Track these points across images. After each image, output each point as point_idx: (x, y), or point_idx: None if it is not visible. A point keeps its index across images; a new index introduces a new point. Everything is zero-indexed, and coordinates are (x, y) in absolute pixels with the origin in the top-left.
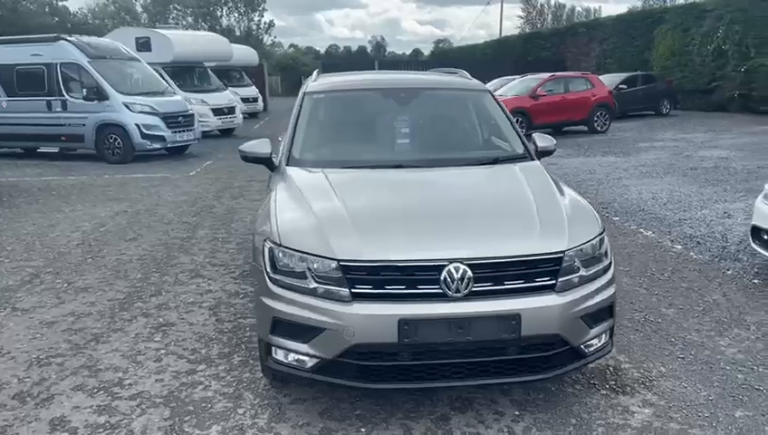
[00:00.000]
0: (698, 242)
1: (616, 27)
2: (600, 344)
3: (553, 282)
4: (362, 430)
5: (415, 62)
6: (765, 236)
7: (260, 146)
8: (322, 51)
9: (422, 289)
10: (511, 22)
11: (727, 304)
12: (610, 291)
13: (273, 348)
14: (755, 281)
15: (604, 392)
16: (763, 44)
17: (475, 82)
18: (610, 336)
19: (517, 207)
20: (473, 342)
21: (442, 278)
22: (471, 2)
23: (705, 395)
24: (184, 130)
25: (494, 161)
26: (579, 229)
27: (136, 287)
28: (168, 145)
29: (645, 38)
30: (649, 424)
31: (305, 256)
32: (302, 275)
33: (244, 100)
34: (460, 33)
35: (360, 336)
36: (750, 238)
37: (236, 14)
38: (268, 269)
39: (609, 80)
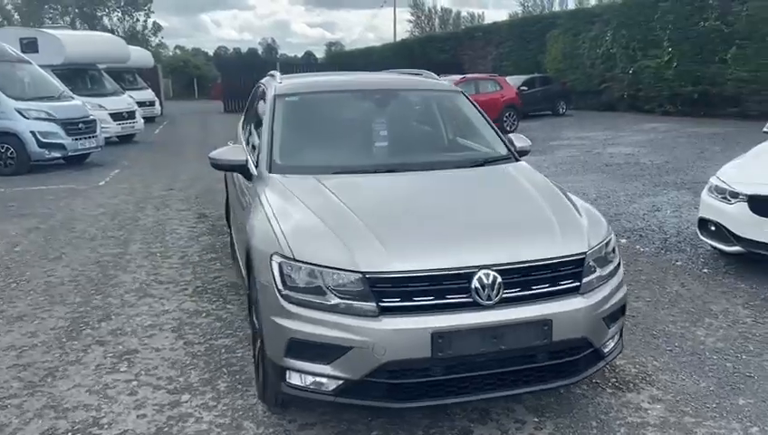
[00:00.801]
0: (640, 235)
1: (511, 31)
2: (614, 344)
3: (577, 284)
4: None
5: (313, 63)
6: (712, 228)
7: (233, 153)
8: (210, 52)
9: (452, 299)
10: (400, 26)
11: (689, 294)
12: (624, 290)
13: (288, 372)
14: (705, 270)
15: (611, 391)
16: (647, 47)
17: (447, 84)
18: (621, 335)
19: (532, 210)
20: (505, 350)
21: (473, 286)
22: (360, 5)
23: (705, 386)
24: (85, 138)
25: (484, 163)
26: (593, 229)
27: (79, 312)
28: (69, 154)
29: (538, 42)
30: (666, 419)
31: (324, 269)
32: (318, 291)
33: (140, 104)
34: (350, 37)
35: (392, 353)
36: (698, 230)
37: (119, 14)
38: (279, 286)
39: (511, 82)
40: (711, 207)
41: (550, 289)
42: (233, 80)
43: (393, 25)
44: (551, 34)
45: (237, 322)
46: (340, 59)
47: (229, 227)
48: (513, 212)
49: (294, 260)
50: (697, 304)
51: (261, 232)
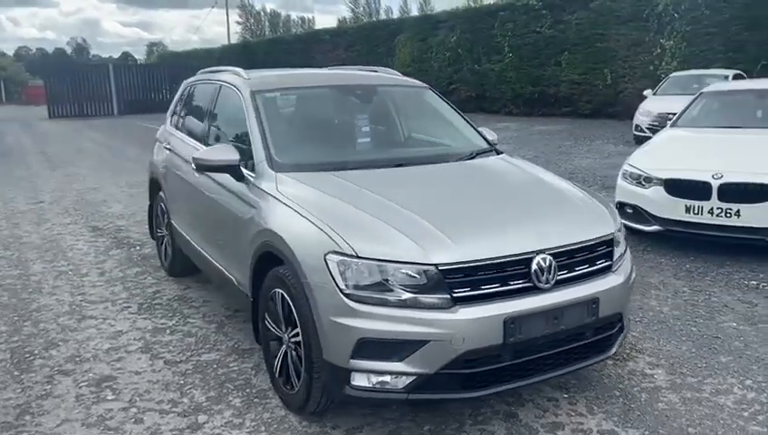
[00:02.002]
0: None
1: (359, 35)
2: (627, 318)
3: (609, 263)
4: None
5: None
6: (629, 211)
7: (224, 152)
8: (11, 53)
9: (514, 284)
10: (223, 27)
11: None
12: (632, 266)
13: (353, 374)
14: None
15: (611, 363)
16: (490, 52)
17: (414, 80)
18: None
19: (557, 196)
20: (564, 330)
21: (532, 271)
22: (178, 5)
23: (687, 349)
24: None
25: (476, 155)
26: (609, 211)
27: (14, 342)
28: None
29: (387, 45)
30: (673, 382)
31: (392, 264)
32: (385, 287)
33: None
34: (171, 37)
35: (470, 342)
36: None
37: None
38: (341, 285)
39: None
40: (627, 191)
41: (590, 269)
42: (58, 83)
43: (227, 27)
44: (399, 38)
45: (212, 336)
46: (170, 60)
47: (154, 237)
48: (543, 199)
49: (358, 257)
50: (637, 278)
51: (300, 232)
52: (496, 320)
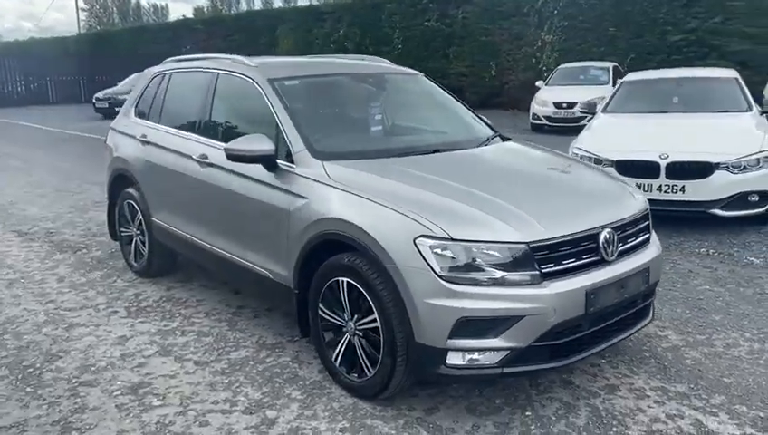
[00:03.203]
0: None
1: (238, 24)
2: None
3: (649, 235)
4: (528, 413)
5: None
6: None
7: (259, 142)
8: None
9: (587, 259)
10: (63, 14)
11: None
12: None
13: (450, 353)
14: None
15: None
16: (379, 43)
17: (408, 69)
18: None
19: (595, 176)
20: (627, 299)
21: (601, 244)
22: None
23: (682, 311)
24: None
25: (489, 140)
26: (633, 188)
27: (5, 358)
28: None
29: (269, 35)
30: (686, 340)
31: (486, 244)
32: (478, 267)
33: None
34: (1, 25)
35: (560, 315)
36: None
37: None
38: (436, 268)
39: None
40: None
41: (639, 241)
42: None
43: (76, 15)
44: (281, 29)
45: (229, 334)
46: (12, 52)
47: (116, 238)
48: (585, 179)
49: (452, 240)
50: None
51: (378, 218)
52: (580, 292)
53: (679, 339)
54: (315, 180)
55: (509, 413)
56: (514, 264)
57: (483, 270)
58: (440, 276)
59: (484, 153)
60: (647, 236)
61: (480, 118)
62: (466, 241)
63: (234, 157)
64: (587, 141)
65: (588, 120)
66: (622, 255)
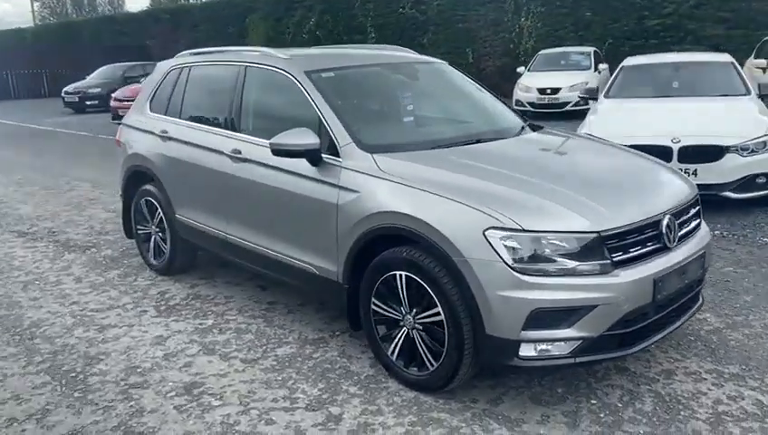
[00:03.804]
0: None
1: (204, 14)
2: None
3: (699, 220)
4: (593, 402)
5: None
6: None
7: (304, 136)
8: None
9: (650, 246)
10: (11, 3)
11: None
12: None
13: (522, 345)
14: None
15: None
16: (352, 32)
17: (433, 58)
18: None
19: (644, 162)
20: (686, 285)
21: (663, 231)
22: None
23: (714, 294)
24: None
25: (524, 130)
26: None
27: (42, 363)
28: None
29: (238, 25)
30: (725, 322)
31: (559, 235)
32: (549, 258)
33: None
34: None
35: (631, 303)
36: None
37: None
38: (508, 260)
39: None
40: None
41: (691, 227)
42: None
43: (31, 6)
44: (251, 18)
45: (268, 330)
46: None
47: (131, 236)
48: (638, 165)
49: (524, 231)
50: None
51: (442, 211)
52: (648, 280)
53: (719, 321)
54: (366, 174)
55: (574, 402)
56: (586, 253)
57: (555, 261)
58: (512, 268)
59: (526, 143)
60: (698, 221)
61: (508, 106)
62: (538, 232)
63: (279, 151)
64: (596, 127)
65: (573, 106)
66: (680, 241)
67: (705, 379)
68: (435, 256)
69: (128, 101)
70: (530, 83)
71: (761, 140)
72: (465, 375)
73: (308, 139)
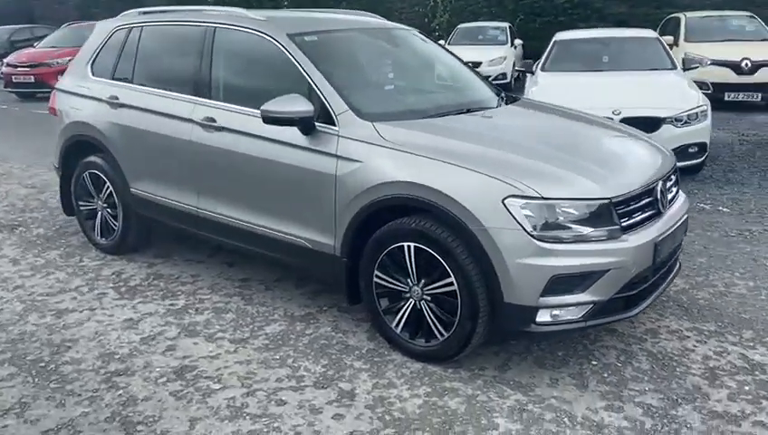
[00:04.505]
0: None
1: None
2: None
3: (678, 187)
4: (594, 363)
5: None
6: None
7: (297, 102)
8: None
9: (647, 211)
10: None
11: None
12: None
13: (540, 311)
14: None
15: None
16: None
17: (401, 24)
18: None
19: (626, 130)
20: (674, 248)
21: (658, 197)
22: None
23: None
24: None
25: (505, 100)
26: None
27: (3, 353)
28: None
29: None
30: (689, 283)
31: (575, 202)
32: (566, 225)
33: None
34: None
35: (637, 266)
36: None
37: None
38: (528, 227)
39: None
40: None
41: (674, 192)
42: None
43: None
44: None
45: (249, 308)
46: None
47: (72, 213)
48: (625, 134)
49: (543, 198)
50: None
51: (457, 179)
52: (650, 244)
53: (683, 282)
54: (369, 143)
55: (577, 364)
56: (600, 219)
57: (569, 227)
58: (532, 236)
59: (518, 112)
60: (677, 187)
61: (479, 75)
62: (557, 199)
63: (271, 119)
64: (538, 99)
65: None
66: (669, 203)
67: (689, 337)
68: (448, 226)
69: (23, 66)
70: None
71: (693, 111)
72: (476, 344)
73: (302, 106)
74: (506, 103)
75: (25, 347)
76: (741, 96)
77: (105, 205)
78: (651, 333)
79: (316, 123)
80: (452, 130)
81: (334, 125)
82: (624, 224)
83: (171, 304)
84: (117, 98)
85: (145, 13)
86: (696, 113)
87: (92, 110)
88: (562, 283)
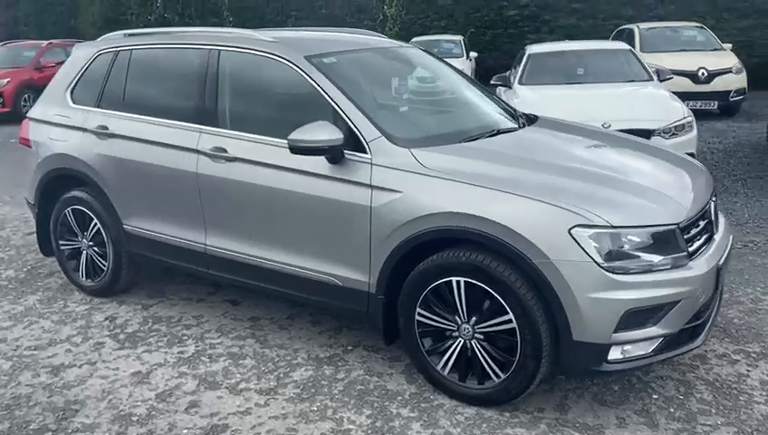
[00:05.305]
0: None
1: None
2: None
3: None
4: (655, 397)
5: None
6: None
7: (326, 130)
8: None
9: (704, 234)
10: None
11: None
12: None
13: (612, 348)
14: None
15: None
16: (206, 15)
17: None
18: None
19: (662, 147)
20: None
21: (712, 219)
22: None
23: None
24: None
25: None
26: None
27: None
28: None
29: (69, 5)
30: None
31: (644, 229)
32: (636, 254)
33: None
34: None
35: (705, 294)
36: None
37: None
38: (598, 259)
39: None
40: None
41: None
42: None
43: None
44: None
45: (267, 352)
46: None
47: (50, 253)
48: (665, 153)
49: (612, 227)
50: None
51: (517, 209)
52: (713, 269)
53: None
54: (408, 171)
55: (638, 399)
56: (667, 246)
57: (639, 256)
58: (603, 267)
59: (549, 134)
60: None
61: (490, 93)
62: (627, 227)
63: (299, 149)
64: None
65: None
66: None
67: (738, 360)
68: (506, 259)
69: None
70: None
71: (680, 122)
72: (536, 385)
73: (332, 134)
74: (528, 123)
75: (24, 414)
76: (699, 104)
77: (91, 243)
78: (700, 359)
79: (348, 152)
80: (493, 154)
81: (365, 153)
82: (690, 250)
83: (180, 352)
84: (106, 127)
85: (131, 35)
86: (683, 124)
87: (77, 141)
88: (636, 317)
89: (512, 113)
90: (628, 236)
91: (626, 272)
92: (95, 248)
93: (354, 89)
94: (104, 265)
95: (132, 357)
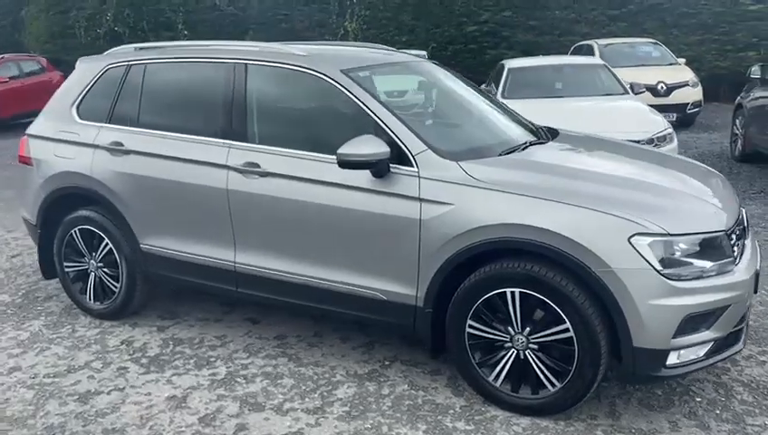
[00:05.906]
0: None
1: None
2: None
3: None
4: (698, 400)
5: None
6: None
7: (374, 144)
8: None
9: (741, 239)
10: None
11: None
12: None
13: (671, 353)
14: None
15: None
16: (159, 28)
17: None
18: None
19: (680, 156)
20: None
21: (745, 224)
22: None
23: None
24: None
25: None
26: None
27: None
28: None
29: (12, 19)
30: None
31: (699, 236)
32: (683, 261)
33: None
34: None
35: (750, 298)
36: None
37: None
38: (658, 266)
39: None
40: None
41: None
42: None
43: None
44: (27, 10)
45: (306, 372)
46: None
47: (53, 275)
48: (687, 162)
49: (670, 235)
50: None
51: (574, 220)
52: (754, 273)
53: None
54: (459, 183)
55: (684, 403)
56: (717, 252)
57: (691, 263)
58: (662, 274)
59: (575, 144)
60: None
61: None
62: (682, 235)
63: (348, 163)
64: None
65: None
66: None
67: (765, 361)
68: (563, 269)
69: None
70: None
71: (661, 134)
72: (591, 393)
73: (379, 147)
74: (551, 135)
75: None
76: None
77: (101, 264)
78: (730, 362)
79: (395, 166)
80: (537, 165)
81: (411, 166)
82: (735, 255)
83: (212, 374)
84: (121, 144)
85: (142, 49)
86: (665, 136)
87: (87, 158)
88: (692, 322)
89: (533, 127)
90: (681, 244)
91: (680, 278)
92: (105, 269)
93: (392, 102)
94: (115, 287)
95: (162, 381)
